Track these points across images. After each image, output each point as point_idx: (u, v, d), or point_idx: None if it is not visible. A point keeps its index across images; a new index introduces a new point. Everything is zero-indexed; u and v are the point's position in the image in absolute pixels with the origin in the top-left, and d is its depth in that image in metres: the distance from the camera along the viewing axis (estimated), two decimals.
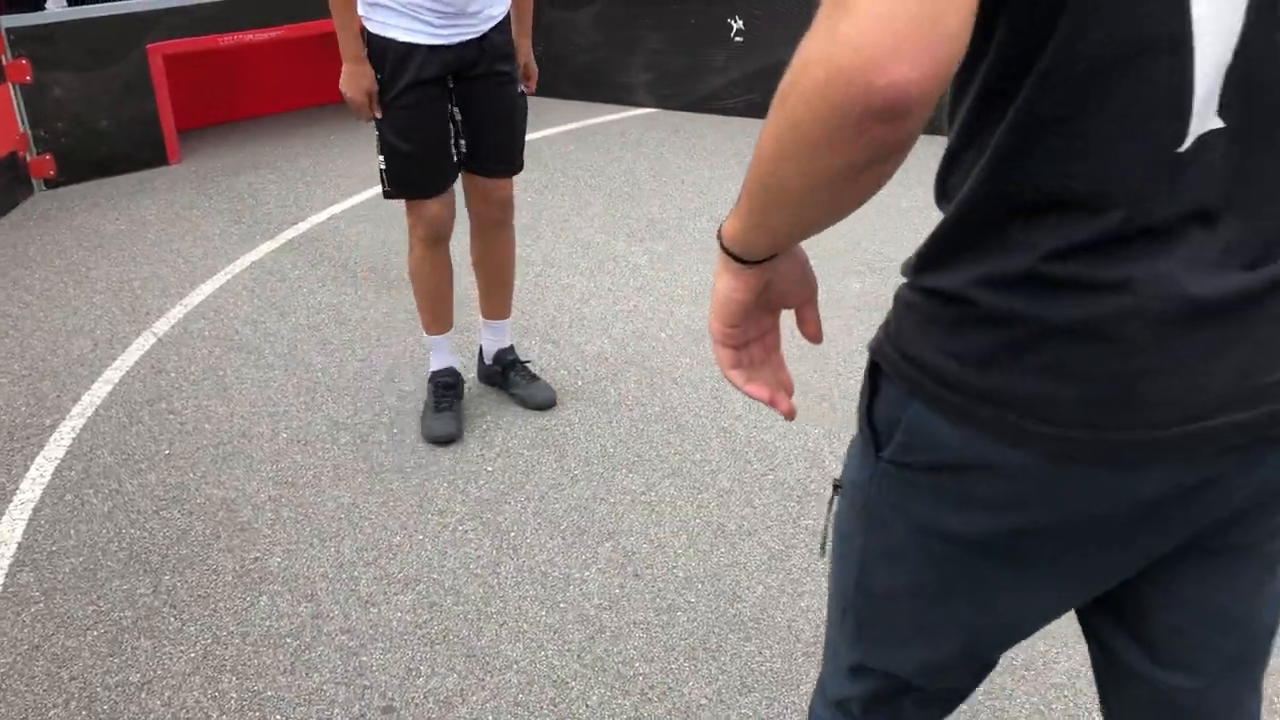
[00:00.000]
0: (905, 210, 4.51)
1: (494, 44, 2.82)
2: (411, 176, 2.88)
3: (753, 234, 0.98)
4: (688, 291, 3.93)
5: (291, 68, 5.94)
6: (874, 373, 1.11)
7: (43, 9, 5.07)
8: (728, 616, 2.41)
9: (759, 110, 5.65)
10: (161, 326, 3.74)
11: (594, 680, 2.24)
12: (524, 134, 3.02)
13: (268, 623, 2.41)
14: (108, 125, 5.04)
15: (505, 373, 3.26)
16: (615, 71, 6.10)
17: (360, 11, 2.78)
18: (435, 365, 3.18)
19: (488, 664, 2.29)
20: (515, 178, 3.05)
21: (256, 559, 2.62)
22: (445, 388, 3.15)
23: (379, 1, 2.73)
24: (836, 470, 2.89)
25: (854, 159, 0.83)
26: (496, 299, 3.21)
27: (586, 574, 2.55)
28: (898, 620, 1.20)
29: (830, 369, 3.40)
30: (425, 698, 2.20)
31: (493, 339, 3.27)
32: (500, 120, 2.93)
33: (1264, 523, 1.08)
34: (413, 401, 3.26)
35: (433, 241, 2.97)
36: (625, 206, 4.69)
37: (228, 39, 5.24)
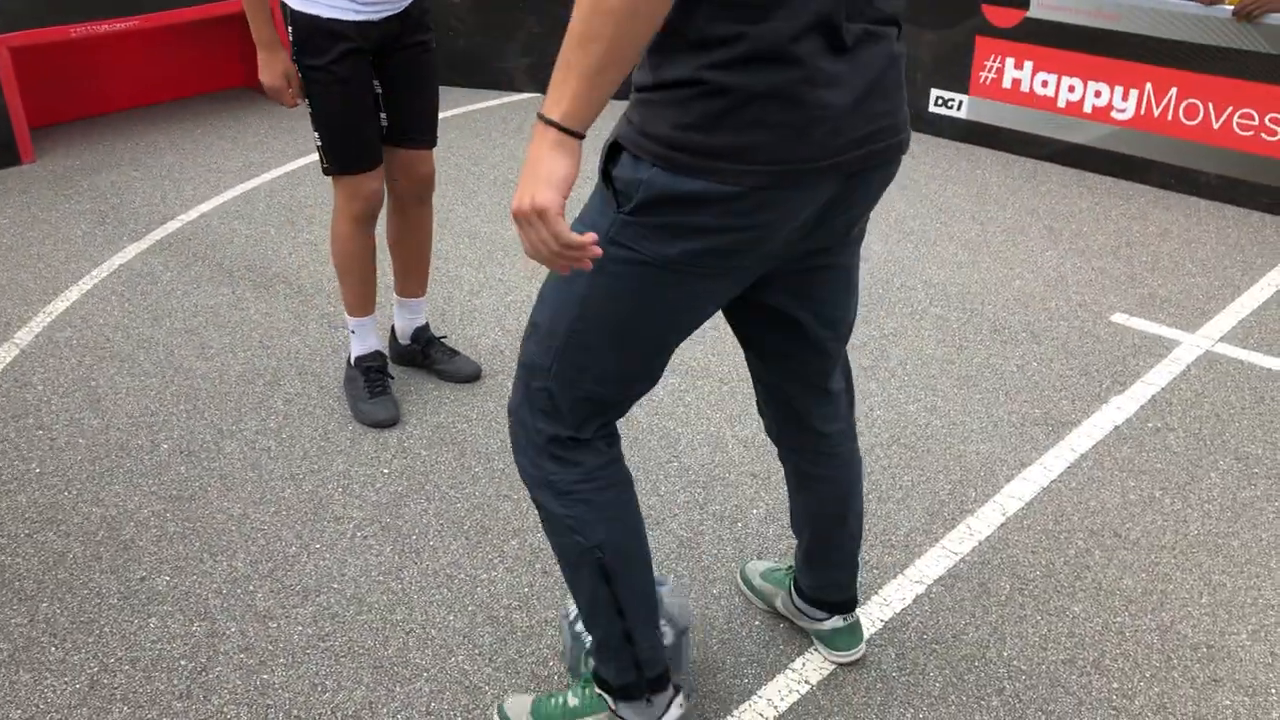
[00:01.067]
0: None
1: (412, 16, 2.83)
2: (350, 151, 2.84)
3: (587, 104, 1.37)
4: None
5: (151, 59, 5.67)
6: (614, 150, 1.52)
7: None
8: None
9: None
10: (23, 337, 3.52)
11: (508, 683, 2.19)
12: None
13: (159, 646, 2.29)
14: None
15: (426, 350, 3.26)
16: (494, 56, 5.99)
17: None
18: (360, 350, 3.11)
19: (396, 674, 2.21)
20: None
21: (143, 579, 2.48)
22: (377, 371, 3.10)
23: None
24: (739, 454, 2.89)
25: None
26: (416, 277, 3.20)
27: (494, 574, 2.49)
28: (610, 344, 1.63)
29: (729, 354, 3.39)
30: (333, 713, 2.12)
31: (410, 318, 3.26)
32: (422, 89, 2.93)
33: (851, 246, 1.74)
34: (300, 404, 3.14)
35: (365, 219, 2.94)
36: (511, 194, 4.60)
37: (79, 29, 4.96)
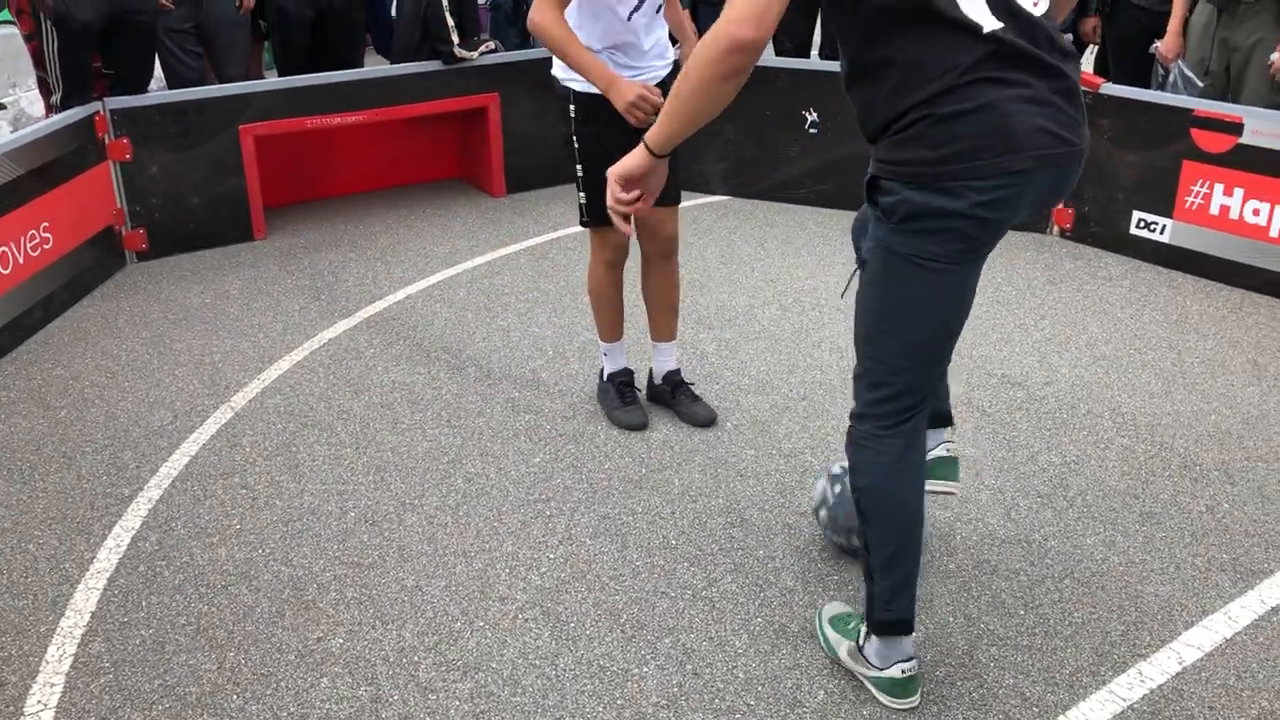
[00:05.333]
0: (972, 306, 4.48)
1: (667, 86, 3.22)
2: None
3: (668, 136, 2.14)
4: (754, 381, 3.94)
5: (373, 149, 6.13)
6: (873, 183, 2.13)
7: (144, 91, 5.31)
8: None
9: (830, 200, 5.72)
10: (239, 400, 3.83)
11: None
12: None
13: (328, 705, 2.43)
14: (199, 201, 5.22)
15: (673, 392, 3.71)
16: (690, 159, 6.19)
17: (562, 77, 3.28)
18: (612, 368, 3.69)
19: None
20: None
21: (319, 639, 2.64)
22: (625, 385, 3.69)
23: None
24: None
25: (725, 73, 2.01)
26: (664, 323, 3.68)
27: (645, 670, 2.53)
28: (910, 330, 2.18)
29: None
30: None
31: (661, 360, 3.72)
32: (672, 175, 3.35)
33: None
34: (478, 484, 3.29)
35: (615, 264, 3.52)
36: (695, 293, 4.72)
37: (314, 121, 5.43)
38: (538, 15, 3.09)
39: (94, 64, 5.20)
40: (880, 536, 2.27)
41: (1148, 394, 3.83)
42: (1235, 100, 4.99)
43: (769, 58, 5.81)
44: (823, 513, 2.88)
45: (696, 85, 2.03)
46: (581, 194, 3.40)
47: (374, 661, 2.56)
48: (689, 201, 6.08)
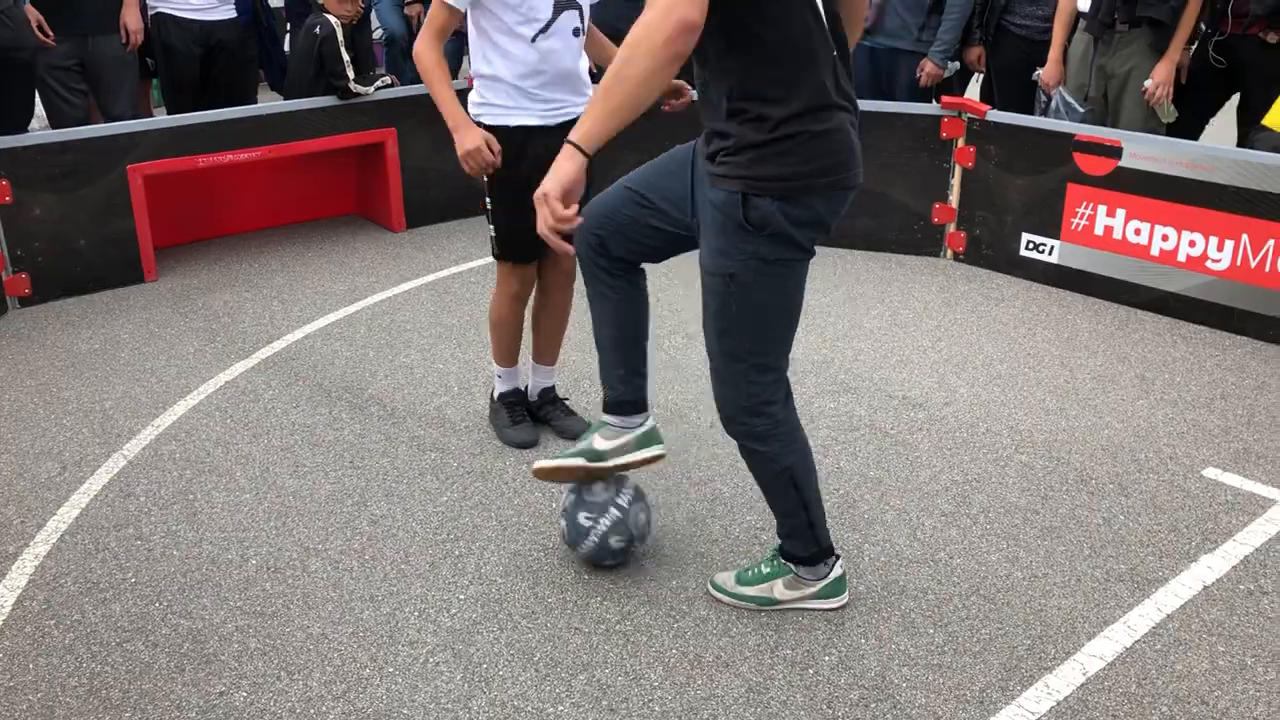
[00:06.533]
0: (871, 330, 4.56)
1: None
2: (521, 244, 3.35)
3: (604, 133, 2.17)
4: (663, 411, 3.94)
5: (268, 187, 6.01)
6: (744, 200, 2.34)
7: (25, 131, 5.13)
8: None
9: None
10: (132, 448, 3.69)
11: None
12: None
13: None
14: (85, 244, 5.05)
15: (548, 407, 3.77)
16: (593, 191, 6.19)
17: (474, 113, 3.27)
18: (504, 389, 3.73)
19: None
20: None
21: (222, 694, 2.55)
22: (515, 405, 3.73)
23: (492, 100, 3.21)
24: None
25: (675, 54, 2.09)
26: (552, 348, 3.76)
27: (560, 708, 2.49)
28: (785, 320, 2.51)
29: None
30: None
31: (540, 380, 3.79)
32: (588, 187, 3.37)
33: None
34: (384, 525, 3.22)
35: (521, 298, 3.54)
36: None
37: (206, 159, 5.30)
38: (418, 44, 3.19)
39: None
40: (810, 487, 2.66)
41: (1043, 411, 3.94)
42: (1114, 125, 5.19)
43: None
44: (622, 529, 2.92)
45: (646, 71, 2.08)
46: (492, 227, 3.41)
47: (280, 714, 2.48)
48: None
